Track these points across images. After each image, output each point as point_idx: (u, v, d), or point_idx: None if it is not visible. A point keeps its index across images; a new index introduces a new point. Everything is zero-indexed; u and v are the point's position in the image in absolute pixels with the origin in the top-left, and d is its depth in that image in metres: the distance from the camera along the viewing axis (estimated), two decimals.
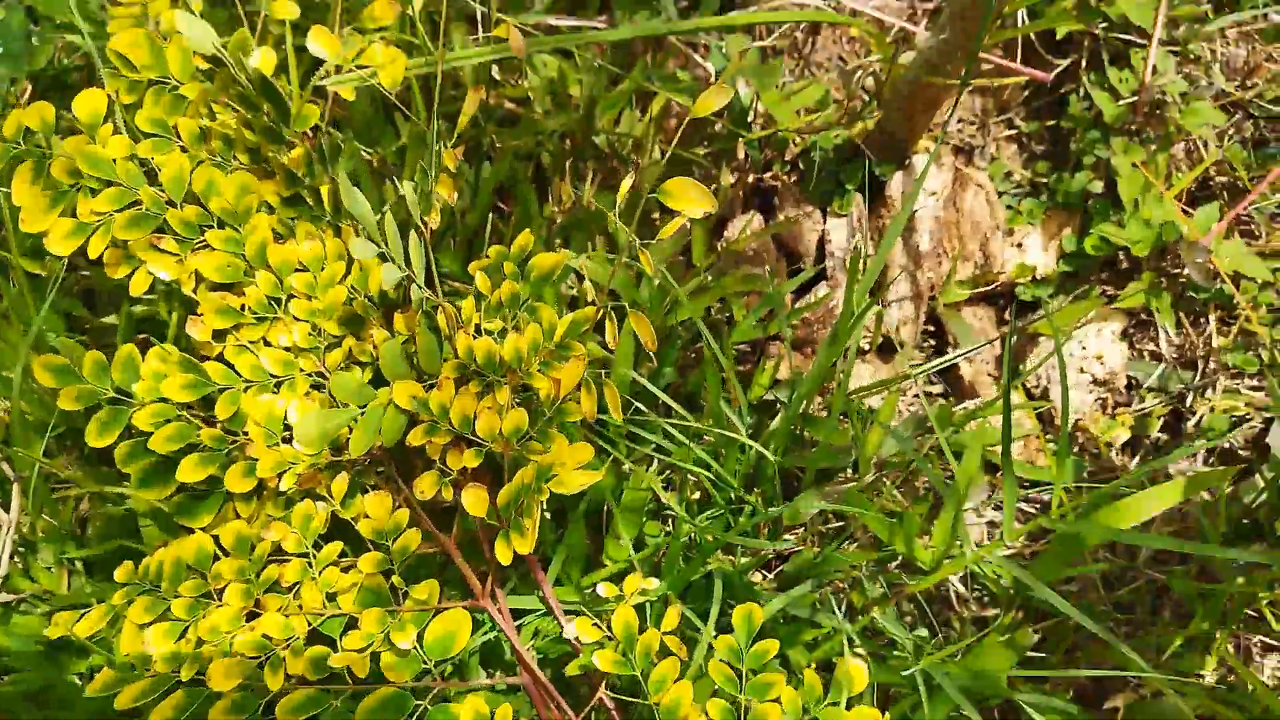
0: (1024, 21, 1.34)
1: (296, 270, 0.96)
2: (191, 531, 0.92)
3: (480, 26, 1.23)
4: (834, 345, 0.97)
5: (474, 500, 0.84)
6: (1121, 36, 1.43)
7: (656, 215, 1.27)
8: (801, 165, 1.34)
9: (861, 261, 1.05)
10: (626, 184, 0.81)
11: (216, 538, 0.91)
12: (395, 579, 0.87)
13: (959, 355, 1.17)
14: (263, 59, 0.98)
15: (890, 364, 1.28)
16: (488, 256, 0.96)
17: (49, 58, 1.19)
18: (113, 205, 0.93)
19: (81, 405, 0.92)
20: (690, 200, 0.78)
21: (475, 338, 0.88)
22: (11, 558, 1.02)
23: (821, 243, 1.31)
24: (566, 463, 0.82)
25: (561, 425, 0.87)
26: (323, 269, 0.96)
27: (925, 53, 1.17)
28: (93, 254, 0.93)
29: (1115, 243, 1.28)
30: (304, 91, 1.04)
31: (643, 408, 1.01)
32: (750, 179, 1.35)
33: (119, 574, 0.90)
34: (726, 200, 1.30)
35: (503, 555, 0.82)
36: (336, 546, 0.89)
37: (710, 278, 1.20)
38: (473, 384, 0.88)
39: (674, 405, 1.01)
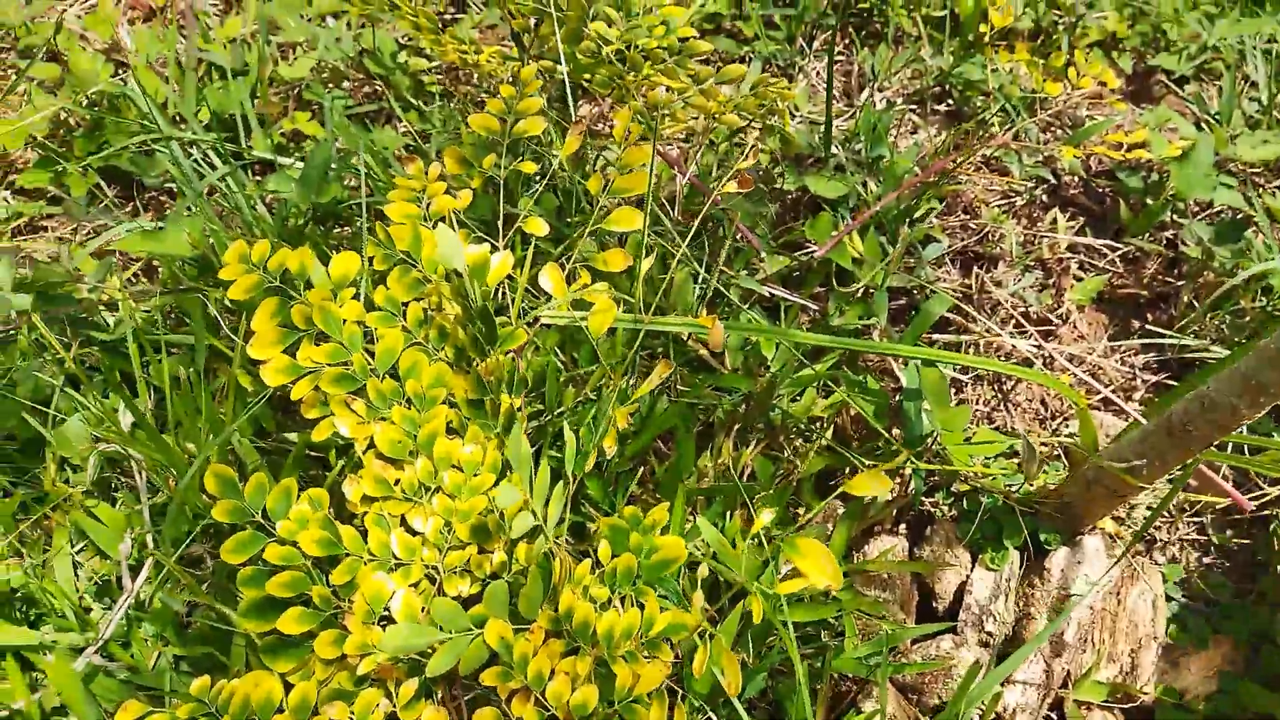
0: (1236, 450, 1.28)
1: (452, 467, 1.02)
2: (271, 671, 0.97)
3: (701, 285, 1.30)
4: None
5: None
6: None
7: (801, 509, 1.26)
8: (965, 503, 1.31)
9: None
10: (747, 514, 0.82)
11: (289, 687, 0.96)
12: None
13: None
14: (495, 270, 1.08)
15: None
16: (622, 517, 0.98)
17: (337, 194, 1.36)
18: (328, 359, 1.04)
19: (231, 520, 1.01)
20: (818, 570, 0.78)
21: (580, 598, 0.90)
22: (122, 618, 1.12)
23: (961, 591, 1.26)
24: None
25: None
26: (476, 475, 1.02)
27: (1122, 449, 1.13)
28: (296, 395, 1.03)
29: (1259, 708, 1.16)
30: (519, 316, 1.13)
31: (714, 717, 0.99)
32: (908, 496, 1.32)
33: (194, 687, 0.95)
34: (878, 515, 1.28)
35: None
36: None
37: (835, 589, 1.18)
38: (560, 642, 0.90)
39: None
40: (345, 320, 1.05)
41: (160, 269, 1.48)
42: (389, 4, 1.54)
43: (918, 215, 1.51)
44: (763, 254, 1.37)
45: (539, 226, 1.19)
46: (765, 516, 0.83)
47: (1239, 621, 1.29)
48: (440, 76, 1.96)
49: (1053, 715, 1.26)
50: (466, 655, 0.88)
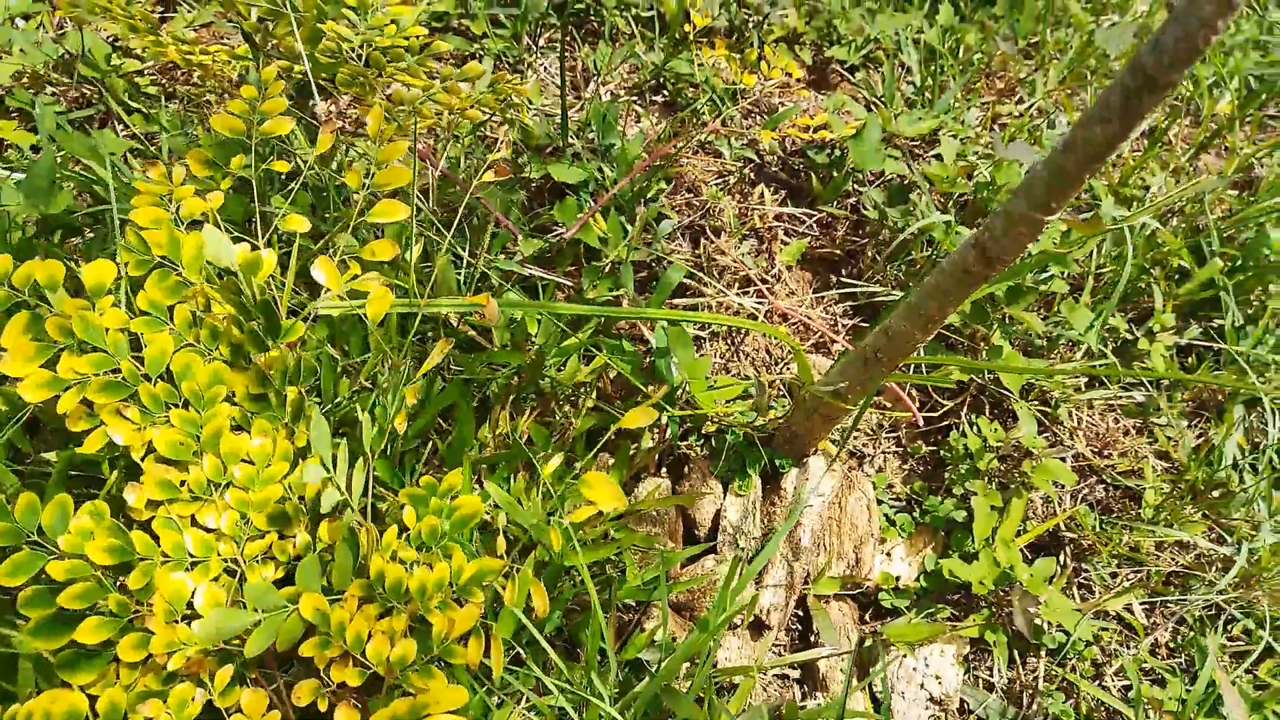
0: (917, 369, 1.56)
1: (242, 461, 1.05)
2: (70, 686, 0.96)
3: (464, 270, 1.39)
4: (703, 632, 1.08)
5: None
6: (1004, 391, 1.66)
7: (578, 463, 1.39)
8: (714, 442, 1.50)
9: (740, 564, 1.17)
10: (550, 468, 0.93)
11: (93, 698, 0.95)
12: None
13: (816, 656, 1.29)
14: (264, 267, 1.11)
15: (758, 642, 1.39)
16: (418, 485, 1.06)
17: (67, 204, 1.30)
18: (93, 369, 1.02)
19: (4, 543, 0.98)
20: (606, 496, 0.90)
21: (390, 562, 0.97)
22: None
23: (718, 517, 1.44)
24: (441, 702, 0.90)
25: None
26: (268, 465, 1.05)
27: (830, 379, 1.36)
28: (62, 409, 1.01)
29: (960, 577, 1.44)
30: (300, 310, 1.17)
31: (522, 652, 1.10)
32: (667, 441, 1.49)
33: None
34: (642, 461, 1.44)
35: None
36: None
37: (612, 530, 1.32)
38: (374, 606, 0.96)
39: (552, 655, 1.09)
40: (109, 329, 1.04)
41: None
42: (98, 6, 1.48)
43: (649, 196, 1.68)
44: (519, 238, 1.48)
45: (300, 223, 1.22)
46: (555, 461, 0.95)
47: (931, 515, 1.58)
48: (155, 76, 1.89)
49: (799, 612, 1.49)
50: (283, 631, 0.93)
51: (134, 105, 1.67)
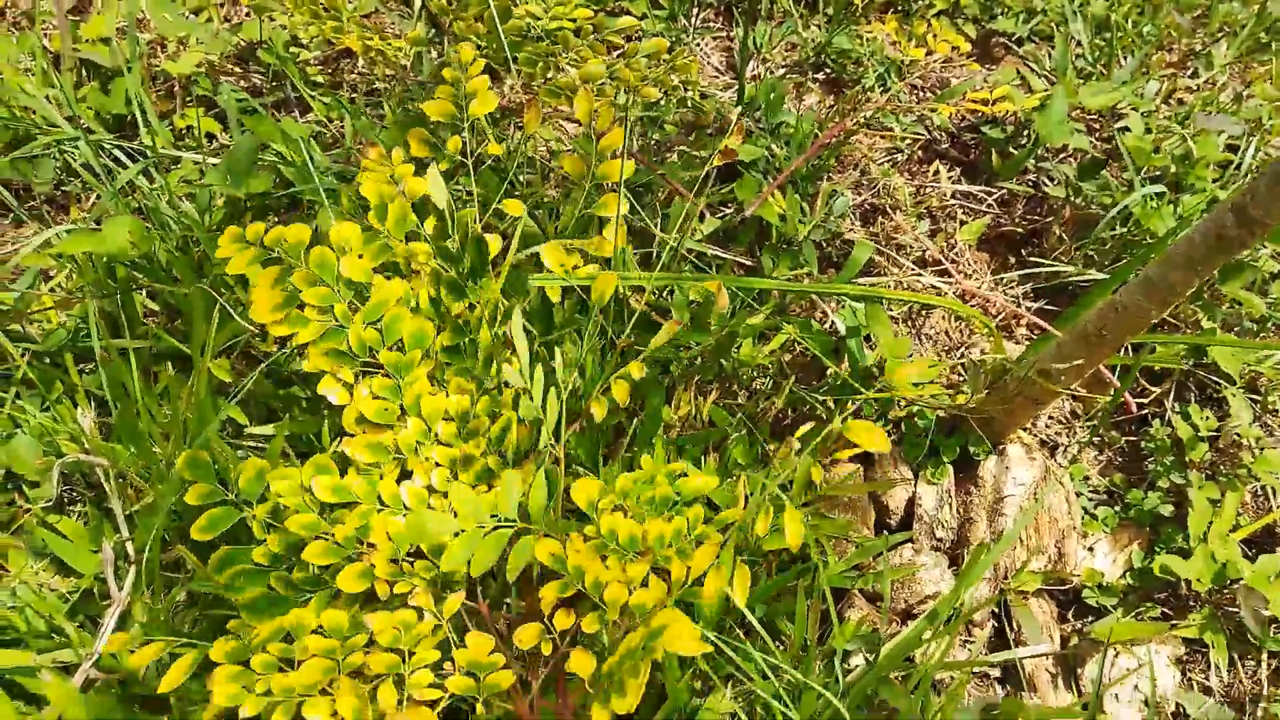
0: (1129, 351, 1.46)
1: (444, 419, 1.04)
2: None
3: (655, 250, 1.36)
4: (931, 621, 1.02)
5: (581, 663, 0.87)
6: (1211, 377, 1.54)
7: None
8: (903, 426, 1.43)
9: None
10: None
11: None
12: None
13: (1027, 654, 1.22)
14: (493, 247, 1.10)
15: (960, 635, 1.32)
16: (639, 467, 1.03)
17: (265, 185, 1.32)
18: (321, 303, 1.04)
19: (208, 501, 0.99)
20: (870, 440, 0.86)
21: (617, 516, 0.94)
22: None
23: (911, 504, 1.37)
24: (683, 636, 0.84)
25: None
26: (468, 421, 1.04)
27: (1041, 359, 1.28)
28: (299, 340, 1.02)
29: (1178, 574, 1.34)
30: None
31: (724, 640, 1.05)
32: None
33: (215, 651, 0.92)
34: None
35: (600, 718, 0.83)
36: (433, 655, 0.92)
37: (808, 516, 1.27)
38: (611, 559, 0.93)
39: (766, 637, 1.05)
40: (348, 278, 1.05)
41: (74, 274, 1.39)
42: None
43: (822, 174, 1.62)
44: (705, 215, 1.44)
45: (517, 208, 1.21)
46: (793, 443, 0.90)
47: (1136, 508, 1.47)
48: (321, 67, 1.92)
49: (997, 607, 1.41)
50: (513, 561, 0.91)
51: (312, 93, 1.70)
